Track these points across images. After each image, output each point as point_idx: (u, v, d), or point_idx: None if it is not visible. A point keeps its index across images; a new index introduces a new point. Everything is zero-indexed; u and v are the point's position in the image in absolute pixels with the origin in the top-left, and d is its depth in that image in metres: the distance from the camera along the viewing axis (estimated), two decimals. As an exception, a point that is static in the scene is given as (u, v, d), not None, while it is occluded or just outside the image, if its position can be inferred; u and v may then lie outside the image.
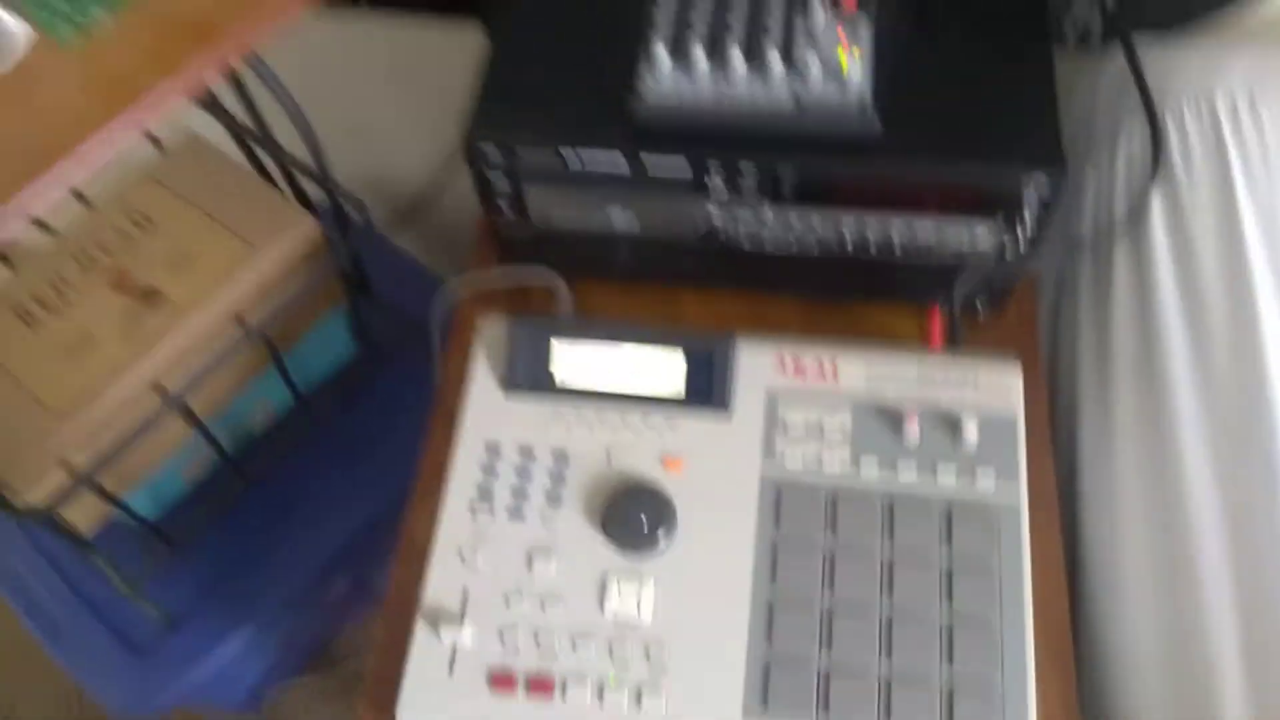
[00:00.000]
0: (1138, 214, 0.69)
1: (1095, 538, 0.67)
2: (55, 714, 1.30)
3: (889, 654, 0.57)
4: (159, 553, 0.93)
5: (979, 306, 0.72)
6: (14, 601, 0.95)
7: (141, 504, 0.89)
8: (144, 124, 0.61)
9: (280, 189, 0.89)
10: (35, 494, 0.76)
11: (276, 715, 1.18)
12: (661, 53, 0.62)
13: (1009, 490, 0.61)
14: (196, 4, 0.64)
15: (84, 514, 0.84)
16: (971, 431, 0.61)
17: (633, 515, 0.61)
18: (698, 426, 0.64)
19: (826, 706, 0.56)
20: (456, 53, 0.73)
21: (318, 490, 0.98)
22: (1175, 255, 0.67)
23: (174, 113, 0.88)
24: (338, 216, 0.86)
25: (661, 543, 0.61)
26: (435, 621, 0.60)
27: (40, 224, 0.97)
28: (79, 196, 0.91)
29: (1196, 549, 0.58)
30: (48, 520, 0.77)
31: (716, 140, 0.63)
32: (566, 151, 0.65)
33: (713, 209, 0.67)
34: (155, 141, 0.91)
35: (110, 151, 0.59)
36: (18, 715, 1.32)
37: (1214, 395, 0.62)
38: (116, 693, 0.90)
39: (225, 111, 0.87)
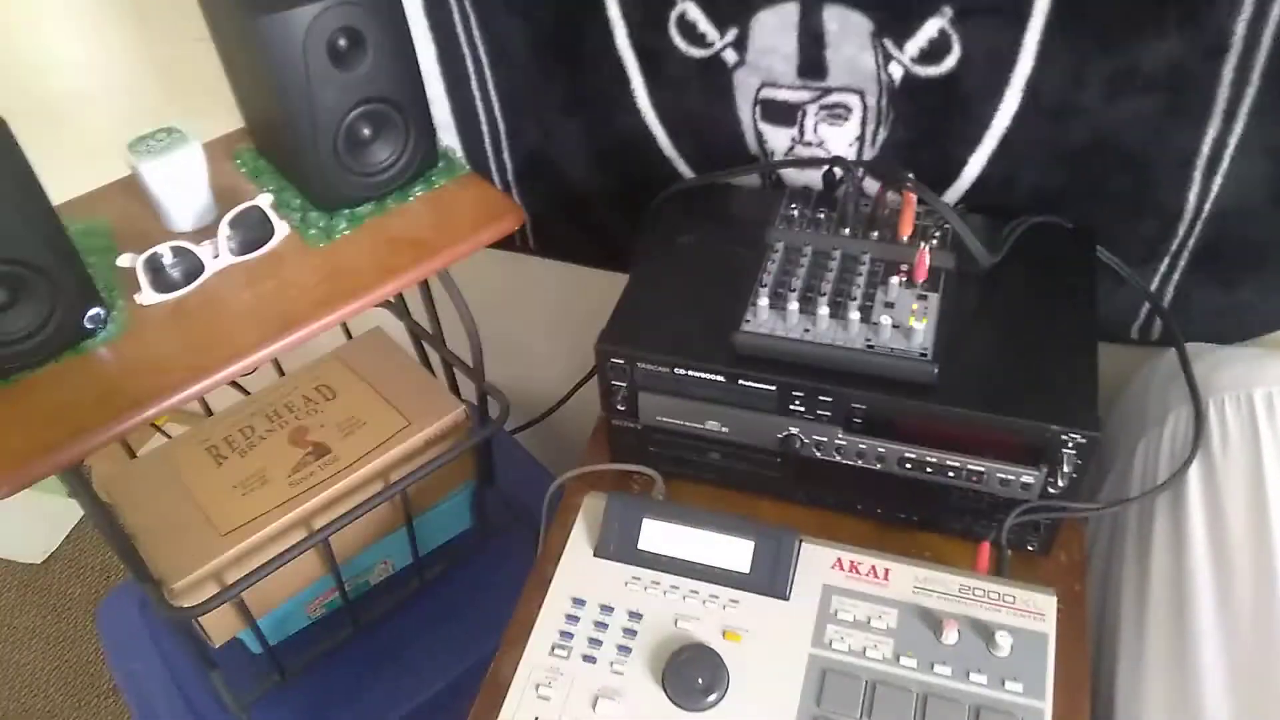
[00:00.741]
0: (1178, 483, 0.78)
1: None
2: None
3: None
4: (269, 680, 1.03)
5: (1029, 545, 0.81)
6: (133, 706, 1.06)
7: (267, 631, 1.02)
8: (362, 310, 0.79)
9: (440, 380, 1.07)
10: (188, 599, 0.89)
11: None
12: (763, 299, 0.78)
13: (1035, 700, 0.67)
14: (418, 226, 0.84)
15: (217, 628, 0.96)
16: (1005, 642, 0.68)
17: (690, 674, 0.70)
18: (758, 607, 0.73)
19: None
20: (604, 293, 0.90)
21: (416, 643, 1.08)
22: (1208, 522, 0.76)
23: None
24: (481, 409, 1.03)
25: (713, 703, 0.69)
26: (508, 745, 0.68)
27: (238, 387, 1.17)
28: (277, 367, 1.11)
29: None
30: (188, 623, 0.89)
31: (799, 371, 0.77)
32: (677, 369, 0.80)
33: (793, 428, 0.79)
34: (346, 331, 1.12)
35: (330, 326, 0.77)
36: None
37: (1237, 645, 0.68)
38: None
39: (408, 313, 1.08)
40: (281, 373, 1.11)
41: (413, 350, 1.11)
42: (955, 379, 0.75)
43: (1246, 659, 0.68)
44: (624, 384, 0.83)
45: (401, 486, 0.94)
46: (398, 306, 1.07)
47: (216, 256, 0.82)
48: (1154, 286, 0.92)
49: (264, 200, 0.84)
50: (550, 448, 1.37)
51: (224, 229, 0.82)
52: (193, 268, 0.81)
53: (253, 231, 0.84)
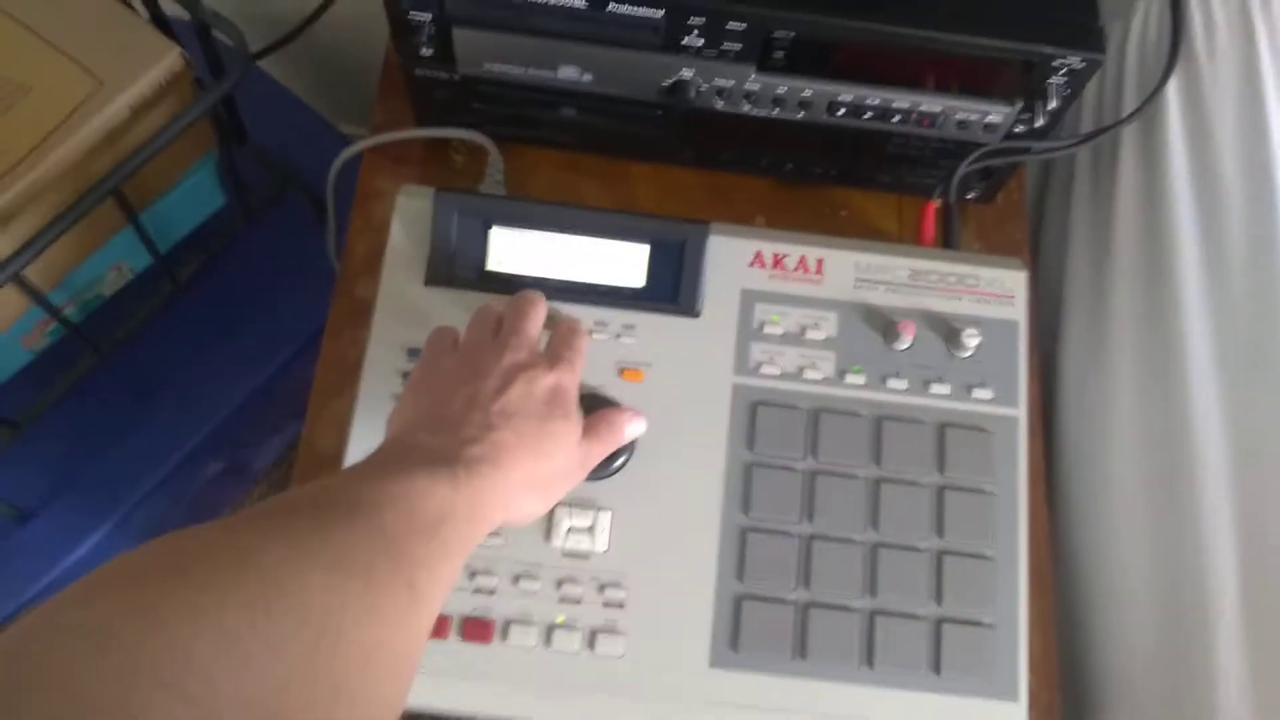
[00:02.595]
0: (1151, 102, 0.61)
1: (1080, 453, 0.62)
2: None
3: (873, 589, 0.52)
4: (2, 435, 0.79)
5: (969, 193, 0.65)
6: None
7: (-29, 381, 0.75)
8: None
9: (134, 9, 0.72)
10: None
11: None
12: None
13: (1008, 406, 0.55)
14: None
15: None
16: (971, 340, 0.54)
17: (584, 432, 0.53)
18: (661, 331, 0.55)
19: (804, 648, 0.51)
20: None
21: (183, 363, 0.85)
22: (1191, 149, 0.60)
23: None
24: (205, 46, 0.71)
25: (618, 465, 0.52)
26: (351, 556, 0.51)
27: None
28: None
29: (1197, 472, 0.53)
30: None
31: (699, -15, 0.52)
32: (509, -16, 0.52)
33: (686, 72, 0.55)
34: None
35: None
36: None
37: (1227, 302, 0.57)
38: (-42, 598, 0.78)
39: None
40: None
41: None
42: (916, -14, 0.52)
43: (1237, 313, 0.56)
44: (428, 15, 0.54)
45: (111, 186, 0.65)
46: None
47: None
48: None
49: None
50: (310, 74, 1.04)
51: None
52: None
53: None
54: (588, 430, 0.48)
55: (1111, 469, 0.59)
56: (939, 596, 0.52)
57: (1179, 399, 0.56)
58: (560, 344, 0.49)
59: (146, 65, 0.67)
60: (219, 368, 0.85)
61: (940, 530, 0.53)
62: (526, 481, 0.44)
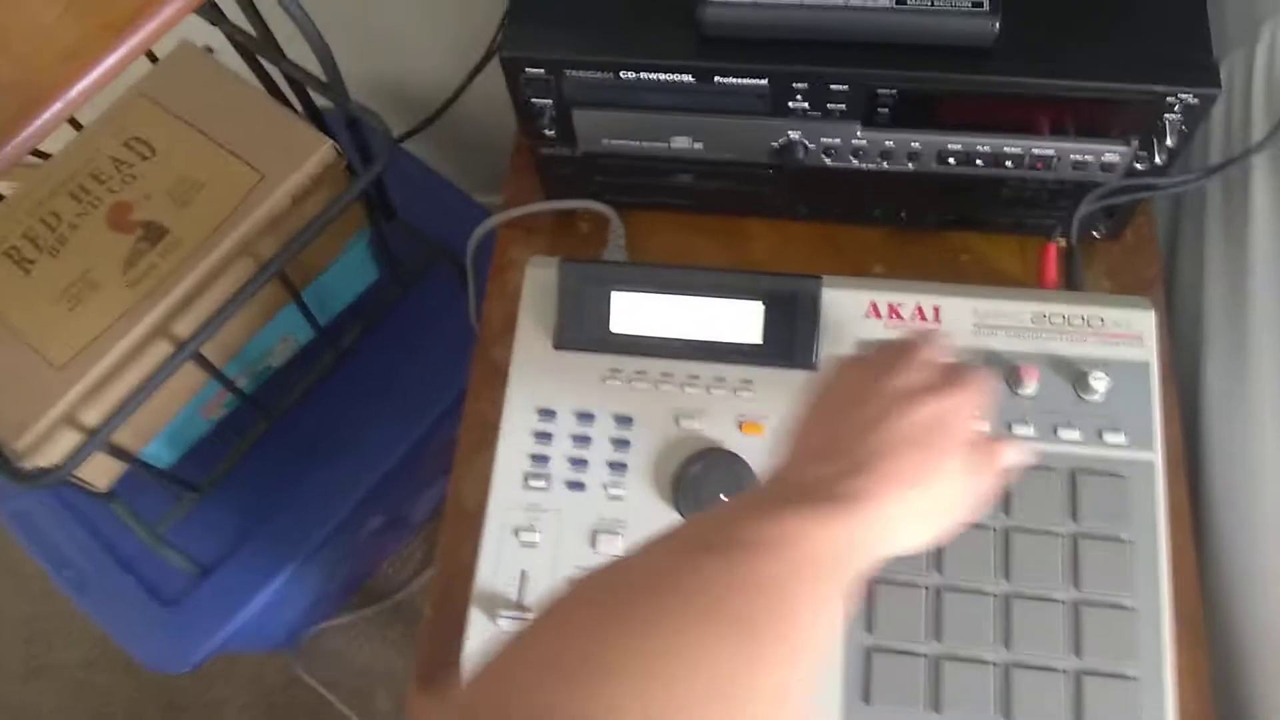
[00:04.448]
0: (1280, 127, 0.59)
1: (1224, 494, 0.60)
2: (91, 654, 1.29)
3: (1007, 641, 0.51)
4: (186, 500, 0.87)
5: (1095, 232, 0.64)
6: (39, 555, 0.90)
7: (160, 450, 0.84)
8: (136, 56, 0.52)
9: (291, 105, 0.80)
10: (45, 457, 0.70)
11: (314, 654, 1.16)
12: (735, -57, 0.52)
13: (1143, 450, 0.53)
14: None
15: (100, 470, 0.78)
16: (1100, 384, 0.53)
17: (706, 485, 0.54)
18: (779, 385, 0.56)
19: (938, 701, 0.50)
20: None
21: (345, 424, 0.91)
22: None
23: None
24: (355, 134, 0.77)
25: (742, 517, 0.54)
26: (491, 608, 0.54)
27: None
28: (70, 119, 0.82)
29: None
30: (61, 483, 0.70)
31: (800, 52, 0.53)
32: (623, 72, 0.55)
33: (793, 134, 0.57)
34: (149, 52, 0.81)
35: (95, 92, 0.50)
36: (54, 657, 1.30)
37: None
38: (149, 648, 0.86)
39: (224, 16, 0.77)
40: (77, 125, 0.82)
41: (244, 67, 0.82)
42: (1020, 35, 0.52)
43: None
44: (549, 101, 0.58)
45: (276, 267, 0.71)
46: (206, 7, 0.77)
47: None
48: None
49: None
50: (451, 152, 1.11)
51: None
52: None
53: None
54: (966, 462, 0.44)
55: (1261, 512, 0.56)
56: (1078, 649, 0.50)
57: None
58: (953, 374, 0.46)
59: (303, 158, 0.75)
60: (376, 428, 0.91)
61: (1077, 581, 0.51)
62: (905, 513, 0.41)
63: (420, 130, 1.08)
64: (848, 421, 0.43)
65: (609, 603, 0.35)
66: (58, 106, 0.49)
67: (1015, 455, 0.46)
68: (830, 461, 0.41)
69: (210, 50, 0.82)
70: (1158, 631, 0.50)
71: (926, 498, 0.42)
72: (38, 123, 0.49)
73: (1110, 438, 0.53)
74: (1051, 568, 0.52)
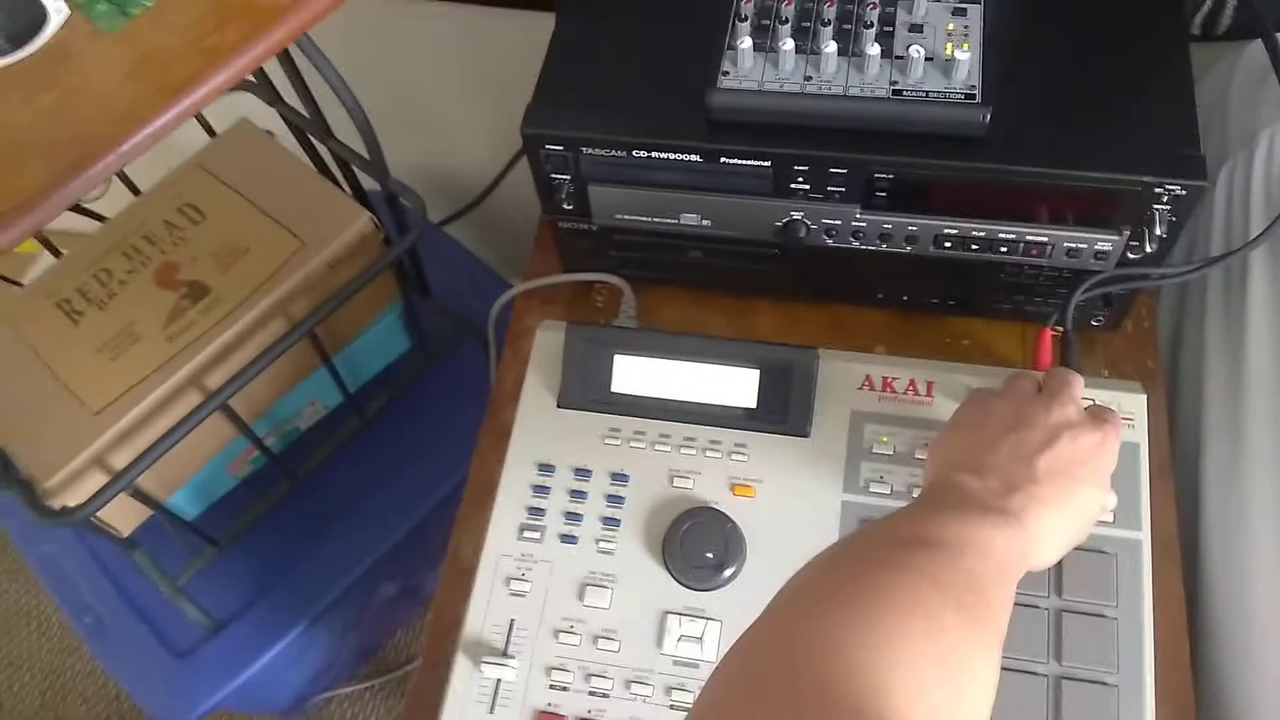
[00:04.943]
0: (1278, 224, 0.61)
1: (1221, 579, 0.59)
2: (105, 712, 1.29)
3: (986, 716, 0.51)
4: (205, 553, 0.89)
5: (1093, 321, 0.65)
6: (59, 598, 0.92)
7: (185, 501, 0.86)
8: (187, 116, 0.57)
9: (336, 181, 0.85)
10: (72, 496, 0.73)
11: (321, 723, 1.15)
12: (744, 39, 0.56)
13: (1129, 527, 0.54)
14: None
15: (123, 514, 0.81)
16: (1085, 465, 0.54)
17: (697, 545, 0.56)
18: (772, 450, 0.58)
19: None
20: (523, 39, 0.68)
21: (364, 490, 0.94)
22: (1323, 271, 0.59)
23: (225, 98, 0.85)
24: (393, 210, 0.82)
25: (728, 577, 0.55)
26: (477, 654, 0.55)
27: (91, 213, 0.94)
28: (127, 183, 0.89)
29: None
30: (84, 524, 0.73)
31: (802, 137, 0.57)
32: (636, 151, 0.59)
33: (795, 214, 0.60)
34: (207, 127, 0.88)
35: (148, 148, 0.55)
36: (68, 711, 1.31)
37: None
38: (156, 697, 0.87)
39: (281, 98, 0.84)
40: (136, 192, 0.89)
41: (296, 145, 0.88)
42: (1012, 125, 0.55)
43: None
44: (567, 177, 0.62)
45: (307, 328, 0.75)
46: (263, 88, 0.83)
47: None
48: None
49: (25, -32, 0.59)
50: (491, 237, 1.17)
51: (-24, 18, 0.58)
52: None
53: (16, 18, 0.59)
54: (1104, 489, 0.49)
55: (1254, 595, 0.56)
56: (1059, 726, 0.50)
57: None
58: (1103, 410, 0.51)
59: (342, 228, 0.79)
60: (394, 495, 0.93)
61: (1059, 654, 0.51)
62: (1050, 532, 0.45)
63: (462, 215, 1.14)
64: (1015, 445, 0.47)
65: (895, 586, 0.38)
66: (110, 159, 0.53)
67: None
68: (998, 477, 0.45)
69: (271, 134, 0.88)
70: (1140, 707, 0.50)
71: (1074, 519, 0.47)
72: (89, 173, 0.53)
73: (1093, 526, 0.54)
74: (1034, 640, 0.52)
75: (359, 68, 0.79)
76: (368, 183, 0.84)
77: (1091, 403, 0.55)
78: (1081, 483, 0.47)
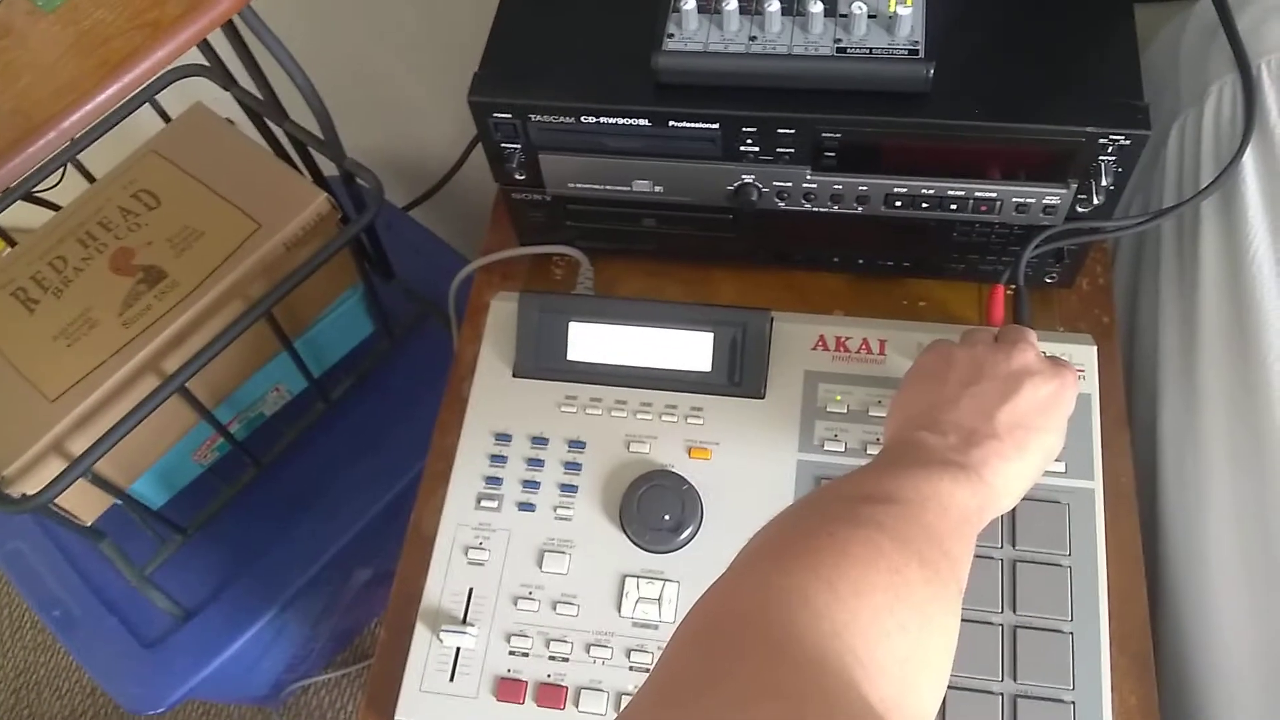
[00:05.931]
0: (1228, 176, 0.61)
1: (1178, 529, 0.60)
2: (80, 705, 1.29)
3: (942, 667, 0.51)
4: (172, 541, 0.89)
5: (1048, 278, 0.65)
6: (25, 593, 0.91)
7: (150, 488, 0.86)
8: (129, 91, 0.56)
9: (294, 164, 0.85)
10: (31, 484, 0.72)
11: (297, 710, 1.15)
12: (688, 1, 0.56)
13: (1081, 476, 0.54)
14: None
15: (86, 502, 0.80)
16: (1036, 418, 0.54)
17: (654, 508, 0.56)
18: (727, 412, 0.58)
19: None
20: (478, 13, 0.68)
21: (336, 476, 0.93)
22: (1271, 220, 0.59)
23: (179, 84, 0.84)
24: (351, 190, 0.81)
25: (686, 539, 0.55)
26: (436, 623, 0.55)
27: (47, 202, 0.93)
28: (82, 172, 0.88)
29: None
30: (44, 511, 0.73)
31: (748, 98, 0.57)
32: (584, 117, 0.59)
33: (746, 177, 0.60)
34: (163, 113, 0.87)
35: (89, 122, 0.54)
36: (42, 707, 1.30)
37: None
38: (127, 688, 0.87)
39: (235, 82, 0.83)
40: (92, 180, 0.88)
41: (253, 129, 0.87)
42: (956, 81, 0.55)
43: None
44: (518, 146, 0.62)
45: (265, 308, 0.75)
46: (217, 72, 0.82)
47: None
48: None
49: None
50: (457, 220, 1.16)
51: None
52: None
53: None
54: (1062, 432, 0.49)
55: (1210, 543, 0.56)
56: (1014, 672, 0.50)
57: (1273, 468, 0.53)
58: (1058, 359, 0.51)
59: (298, 209, 0.79)
60: (362, 479, 0.93)
61: (1014, 604, 0.52)
62: (1009, 481, 0.46)
63: (427, 199, 1.13)
64: (974, 399, 0.47)
65: (861, 540, 0.39)
66: (50, 135, 0.53)
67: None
68: (958, 433, 0.46)
69: (231, 122, 0.87)
70: (1095, 655, 0.50)
71: (1032, 465, 0.47)
72: (31, 148, 0.53)
73: (1051, 466, 0.54)
74: (988, 591, 0.52)
75: (316, 50, 0.78)
76: (328, 168, 0.84)
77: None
78: (1040, 430, 0.47)
